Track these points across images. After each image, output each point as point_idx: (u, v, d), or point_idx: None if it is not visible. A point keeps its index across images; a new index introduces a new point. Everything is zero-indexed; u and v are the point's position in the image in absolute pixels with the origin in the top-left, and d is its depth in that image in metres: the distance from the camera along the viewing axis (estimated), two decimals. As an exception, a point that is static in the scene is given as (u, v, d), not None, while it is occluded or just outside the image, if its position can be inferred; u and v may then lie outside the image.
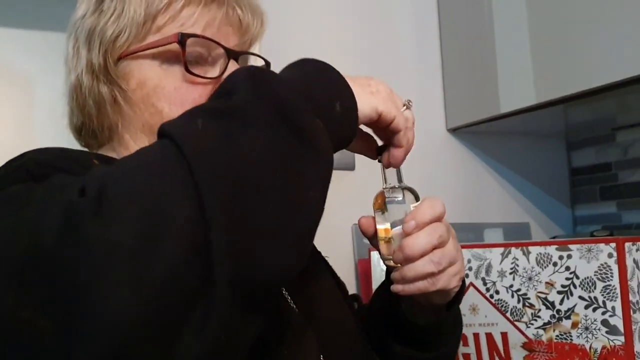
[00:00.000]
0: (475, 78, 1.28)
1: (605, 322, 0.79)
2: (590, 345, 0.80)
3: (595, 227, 1.47)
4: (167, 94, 0.64)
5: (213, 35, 0.65)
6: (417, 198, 0.66)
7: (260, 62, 0.76)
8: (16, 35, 2.36)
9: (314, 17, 1.26)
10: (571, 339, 0.82)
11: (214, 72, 0.66)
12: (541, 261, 0.85)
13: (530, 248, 0.87)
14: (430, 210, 0.63)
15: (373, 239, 0.68)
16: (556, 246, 0.84)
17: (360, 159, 1.27)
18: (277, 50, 1.20)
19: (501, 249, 0.90)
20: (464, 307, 0.94)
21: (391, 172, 0.66)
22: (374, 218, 0.66)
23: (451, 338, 0.74)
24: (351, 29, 1.29)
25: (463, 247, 0.96)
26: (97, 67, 0.67)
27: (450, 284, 0.64)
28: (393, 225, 0.65)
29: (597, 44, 1.03)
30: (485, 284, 0.91)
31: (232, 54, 0.66)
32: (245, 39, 0.69)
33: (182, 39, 0.63)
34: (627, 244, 0.78)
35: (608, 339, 0.79)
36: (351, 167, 1.26)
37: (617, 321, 0.78)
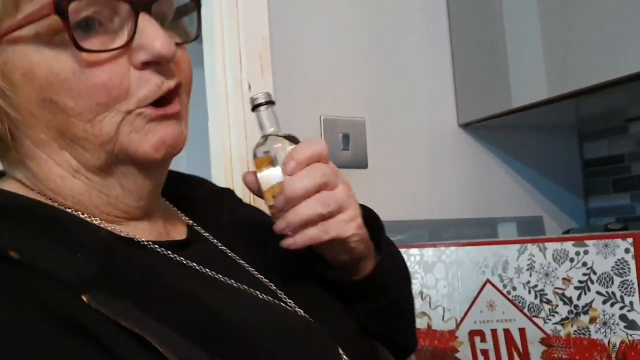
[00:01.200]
0: (487, 73, 1.28)
1: (623, 317, 0.80)
2: (609, 340, 0.81)
3: (609, 219, 1.47)
4: (67, 82, 0.49)
5: None
6: (295, 142, 0.60)
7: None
8: None
9: (325, 10, 1.27)
10: (589, 334, 0.82)
11: (120, 38, 0.50)
12: (558, 257, 0.86)
13: (547, 244, 0.87)
14: (309, 148, 0.57)
15: (262, 196, 0.61)
16: (572, 242, 0.85)
17: (372, 158, 1.28)
18: (287, 47, 1.21)
19: (517, 246, 0.90)
20: (480, 303, 0.94)
21: (269, 119, 0.61)
22: (254, 172, 0.60)
23: (390, 288, 0.67)
24: (362, 24, 1.30)
25: (479, 244, 0.96)
26: None
27: (345, 231, 0.58)
28: (275, 177, 0.59)
29: (607, 38, 1.03)
30: (502, 280, 0.91)
31: (136, 6, 0.50)
32: None
33: (60, 6, 0.47)
34: (644, 239, 0.78)
35: (627, 333, 0.79)
36: (364, 166, 1.27)
37: (636, 316, 0.78)
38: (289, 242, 0.57)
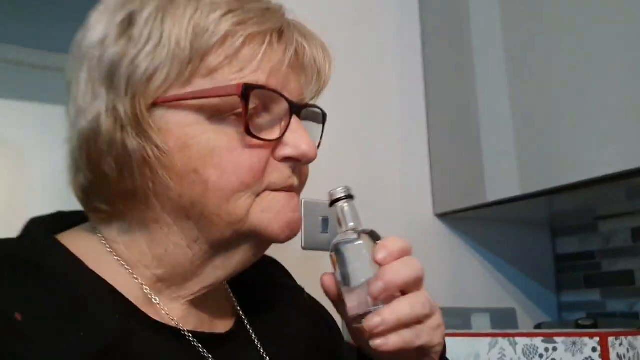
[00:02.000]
0: (462, 167, 1.32)
1: (591, 416, 0.81)
2: None
3: (580, 314, 1.49)
4: (218, 158, 0.51)
5: (277, 84, 0.53)
6: (377, 239, 0.57)
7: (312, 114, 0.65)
8: (9, 105, 2.40)
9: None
10: None
11: (273, 131, 0.55)
12: (528, 352, 0.87)
13: (517, 339, 0.89)
14: (400, 241, 0.56)
15: (338, 302, 0.58)
16: (542, 338, 0.86)
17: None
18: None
19: (489, 339, 0.92)
20: (452, 396, 0.95)
21: (350, 214, 0.58)
22: (333, 274, 0.57)
23: None
24: (340, 113, 1.34)
25: (451, 335, 0.97)
26: (124, 114, 0.50)
27: (434, 339, 0.55)
28: (355, 279, 0.55)
29: (580, 140, 1.08)
30: (473, 373, 0.92)
31: (295, 109, 0.55)
32: (312, 87, 0.58)
33: (246, 91, 0.50)
34: (610, 339, 0.80)
35: None
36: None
37: (603, 416, 0.79)
38: (379, 343, 0.52)
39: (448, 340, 0.98)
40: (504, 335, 0.90)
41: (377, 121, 1.38)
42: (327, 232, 1.27)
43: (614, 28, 1.03)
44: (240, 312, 0.64)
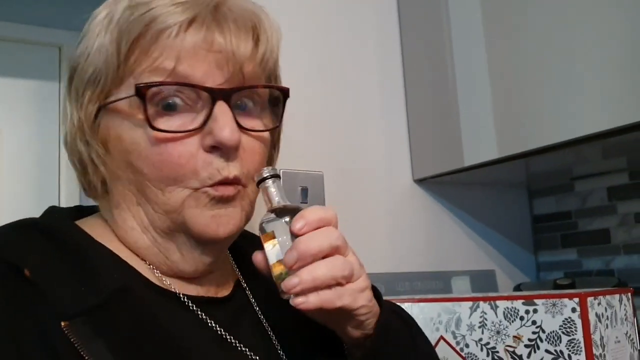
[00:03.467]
0: (440, 132, 1.32)
1: (571, 375, 0.82)
2: (558, 397, 0.83)
3: (558, 274, 1.51)
4: (145, 153, 0.56)
5: (192, 71, 0.55)
6: None
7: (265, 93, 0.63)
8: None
9: (283, 67, 1.29)
10: (539, 391, 0.85)
11: (197, 120, 0.56)
12: (508, 315, 0.88)
13: (498, 302, 0.90)
14: (320, 211, 0.56)
15: (271, 278, 0.58)
16: (523, 300, 0.87)
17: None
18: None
19: (470, 303, 0.93)
20: (435, 360, 0.96)
21: (275, 192, 0.58)
22: (263, 251, 0.57)
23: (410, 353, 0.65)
24: (320, 82, 1.33)
25: (432, 300, 0.98)
26: (77, 122, 0.59)
27: (357, 300, 0.56)
28: (283, 249, 0.55)
29: (555, 102, 1.09)
30: (455, 337, 0.93)
31: (217, 95, 0.55)
32: (238, 69, 0.57)
33: (139, 90, 0.54)
34: (589, 299, 0.82)
35: (574, 390, 0.82)
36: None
37: (583, 374, 0.81)
38: (299, 301, 0.53)
39: (429, 305, 1.00)
40: (484, 299, 0.91)
41: (355, 90, 1.37)
42: (307, 202, 1.27)
43: (589, -12, 1.03)
44: (241, 278, 0.68)
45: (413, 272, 1.38)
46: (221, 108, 0.56)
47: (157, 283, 0.60)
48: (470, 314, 0.92)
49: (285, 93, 0.63)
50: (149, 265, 0.61)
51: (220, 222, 0.57)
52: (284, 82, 1.36)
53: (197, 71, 0.55)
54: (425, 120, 1.37)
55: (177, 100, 0.56)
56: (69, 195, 2.18)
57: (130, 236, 0.60)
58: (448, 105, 1.30)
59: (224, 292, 0.65)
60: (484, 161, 1.23)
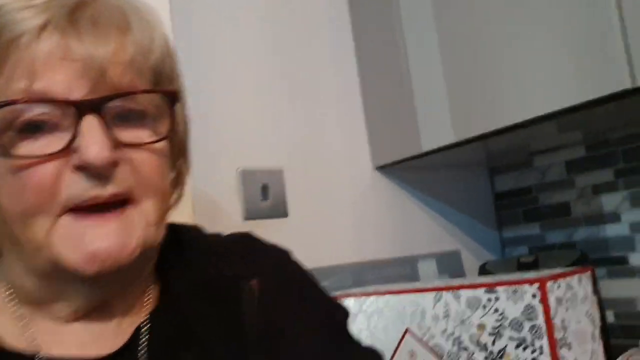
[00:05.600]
0: (397, 119, 1.32)
1: None
2: (524, 382, 0.84)
3: (522, 249, 1.53)
4: (5, 182, 0.49)
5: (49, 84, 0.48)
6: None
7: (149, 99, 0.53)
8: None
9: (237, 62, 1.27)
10: (506, 377, 0.85)
11: (63, 139, 0.48)
12: (471, 304, 0.89)
13: (461, 291, 0.90)
14: None
15: None
16: (484, 288, 0.88)
17: (292, 206, 1.29)
18: (199, 101, 1.21)
19: (433, 294, 0.93)
20: (402, 353, 0.96)
21: None
22: None
23: None
24: (275, 75, 1.31)
25: (396, 292, 0.98)
26: None
27: None
28: None
29: (508, 84, 1.09)
30: (421, 329, 0.94)
31: (85, 108, 0.48)
32: (100, 75, 0.49)
33: None
34: (548, 284, 0.82)
35: (539, 374, 0.83)
36: (284, 214, 1.28)
37: (546, 358, 0.82)
38: None
39: (393, 298, 1.00)
40: (447, 289, 0.91)
41: (309, 81, 1.35)
42: (267, 200, 1.26)
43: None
44: (148, 325, 0.56)
45: (380, 259, 1.38)
46: (90, 123, 0.48)
47: (16, 342, 0.52)
48: (434, 305, 0.92)
49: (171, 97, 0.54)
50: (19, 309, 0.54)
51: (97, 251, 0.48)
52: (234, 77, 1.33)
53: (56, 83, 0.47)
54: (381, 108, 1.36)
55: (39, 120, 0.48)
56: None
57: (19, 285, 0.54)
58: (403, 91, 1.29)
59: (110, 348, 0.54)
60: (441, 145, 1.23)
